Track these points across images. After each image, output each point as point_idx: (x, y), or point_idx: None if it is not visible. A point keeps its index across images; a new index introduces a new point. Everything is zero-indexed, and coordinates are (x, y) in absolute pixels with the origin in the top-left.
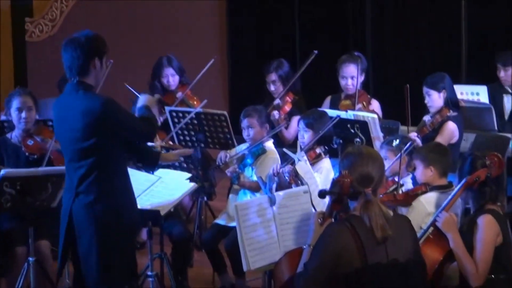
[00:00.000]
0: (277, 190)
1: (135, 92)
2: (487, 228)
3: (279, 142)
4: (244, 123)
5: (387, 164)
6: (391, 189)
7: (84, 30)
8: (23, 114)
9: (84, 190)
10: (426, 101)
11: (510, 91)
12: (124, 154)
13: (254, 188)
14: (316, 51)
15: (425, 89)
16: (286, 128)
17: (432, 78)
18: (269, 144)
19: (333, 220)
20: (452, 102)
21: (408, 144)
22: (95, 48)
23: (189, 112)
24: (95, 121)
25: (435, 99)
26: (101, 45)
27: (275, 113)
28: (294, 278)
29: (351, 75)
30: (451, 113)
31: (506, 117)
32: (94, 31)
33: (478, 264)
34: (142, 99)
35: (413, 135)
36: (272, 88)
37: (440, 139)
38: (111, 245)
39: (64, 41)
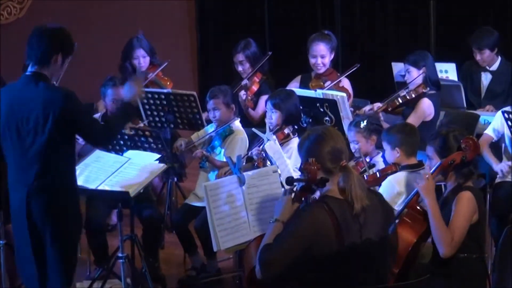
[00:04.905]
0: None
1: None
2: (466, 203)
3: (247, 122)
4: (210, 104)
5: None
6: (361, 170)
7: (53, 23)
8: None
9: (41, 183)
10: (405, 78)
11: (488, 68)
12: (74, 145)
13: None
14: (270, 52)
15: (405, 66)
16: (253, 108)
17: (413, 55)
18: (237, 124)
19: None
20: (431, 80)
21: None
22: (62, 43)
23: (159, 93)
24: (56, 114)
25: (413, 76)
26: (68, 44)
27: (242, 93)
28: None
29: (321, 54)
30: (428, 90)
31: (483, 94)
32: (68, 30)
33: (453, 234)
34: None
35: (377, 106)
36: (239, 68)
37: (414, 115)
38: (69, 233)
39: (35, 27)
